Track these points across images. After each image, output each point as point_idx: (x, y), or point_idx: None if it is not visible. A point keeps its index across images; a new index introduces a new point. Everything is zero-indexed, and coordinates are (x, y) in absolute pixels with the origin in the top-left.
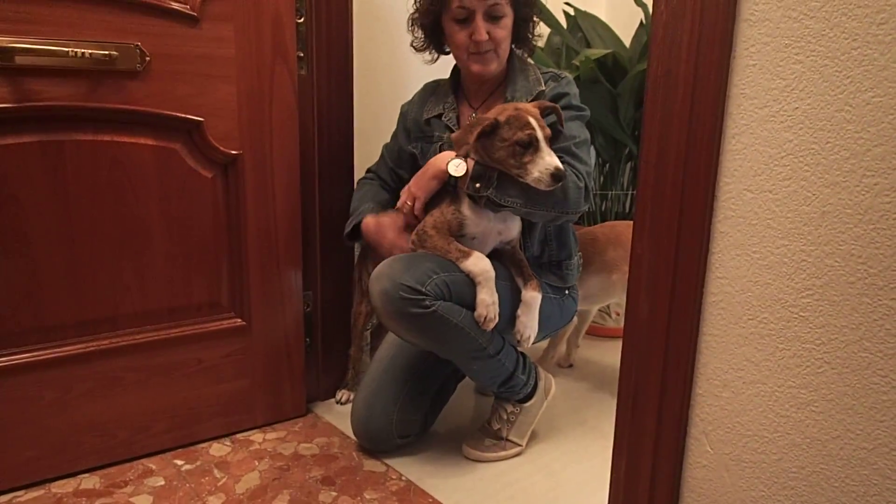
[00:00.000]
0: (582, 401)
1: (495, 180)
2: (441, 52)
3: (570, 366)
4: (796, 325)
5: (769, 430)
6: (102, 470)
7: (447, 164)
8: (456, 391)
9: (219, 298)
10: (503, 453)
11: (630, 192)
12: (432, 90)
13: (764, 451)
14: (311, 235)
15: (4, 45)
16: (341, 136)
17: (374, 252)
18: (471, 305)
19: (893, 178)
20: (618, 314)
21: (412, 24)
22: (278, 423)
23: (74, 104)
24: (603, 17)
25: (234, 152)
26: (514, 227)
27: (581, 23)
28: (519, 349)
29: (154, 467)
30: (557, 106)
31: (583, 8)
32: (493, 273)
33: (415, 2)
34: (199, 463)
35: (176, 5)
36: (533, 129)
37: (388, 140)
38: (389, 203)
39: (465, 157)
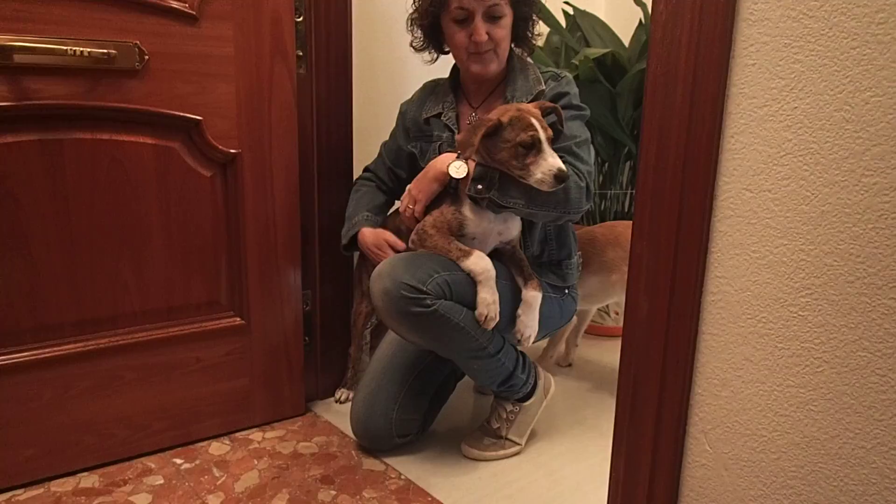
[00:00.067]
0: (581, 400)
1: (497, 181)
2: (440, 51)
3: (570, 365)
4: (795, 324)
5: (768, 429)
6: (101, 469)
7: (448, 165)
8: (455, 390)
9: (218, 297)
10: (502, 452)
11: (629, 192)
12: (432, 89)
13: (763, 450)
14: (310, 234)
15: (3, 43)
16: (340, 135)
17: (372, 262)
18: (471, 305)
19: (892, 178)
20: (617, 313)
21: (411, 25)
22: (277, 421)
23: (73, 103)
24: (602, 17)
25: (232, 151)
26: (514, 227)
27: (580, 22)
28: (519, 348)
29: (153, 466)
30: (558, 106)
31: (582, 7)
32: (493, 272)
33: (414, 2)
34: (198, 462)
35: (175, 4)
36: (535, 130)
37: (387, 139)
38: (386, 207)
39: (467, 158)
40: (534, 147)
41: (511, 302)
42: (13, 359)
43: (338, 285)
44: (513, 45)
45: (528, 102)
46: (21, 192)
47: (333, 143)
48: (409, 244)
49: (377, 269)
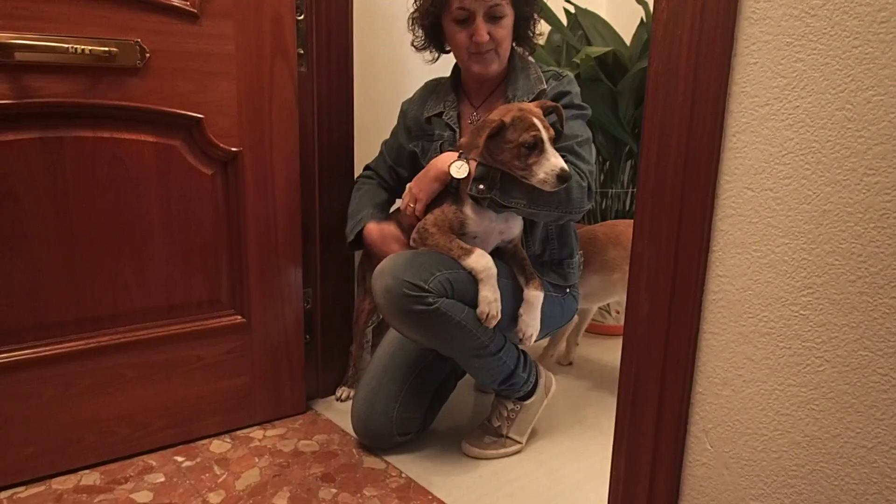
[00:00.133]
0: (582, 399)
1: (499, 181)
2: (441, 51)
3: (570, 364)
4: (796, 323)
5: (769, 428)
6: (103, 466)
7: (449, 165)
8: (456, 388)
9: (219, 295)
10: (503, 451)
11: (630, 191)
12: (433, 88)
13: (764, 450)
14: (310, 232)
15: (4, 41)
16: (341, 134)
17: (377, 259)
18: (473, 303)
19: (894, 177)
20: (618, 312)
21: (412, 24)
22: (278, 420)
23: (74, 101)
24: (603, 15)
25: (233, 149)
26: (515, 227)
27: (581, 20)
28: (520, 347)
29: (154, 464)
30: (559, 106)
31: (583, 6)
32: (495, 270)
33: (414, 1)
34: (199, 460)
35: (176, 2)
36: (538, 130)
37: (388, 137)
38: (388, 204)
39: (468, 158)
40: (536, 147)
41: (512, 301)
42: (14, 357)
43: (338, 283)
44: (514, 45)
45: (530, 102)
46: (21, 190)
47: (334, 142)
48: (411, 243)
49: (379, 266)
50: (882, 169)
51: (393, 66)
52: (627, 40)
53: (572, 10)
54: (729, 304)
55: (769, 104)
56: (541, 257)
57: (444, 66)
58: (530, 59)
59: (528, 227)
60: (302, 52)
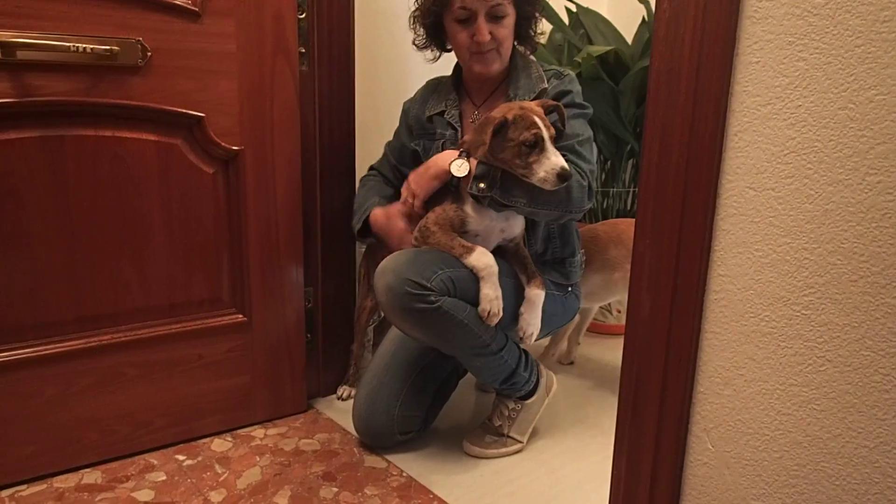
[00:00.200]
0: (583, 398)
1: (499, 180)
2: (443, 49)
3: (571, 363)
4: (798, 323)
5: (770, 427)
6: (104, 465)
7: (450, 164)
8: (457, 387)
9: (220, 294)
10: (504, 450)
11: (631, 190)
12: (434, 87)
13: (765, 449)
14: (312, 231)
15: (6, 39)
16: (342, 132)
17: (384, 244)
18: (475, 302)
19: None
20: (619, 311)
21: (413, 23)
22: (279, 418)
23: (76, 99)
24: (605, 14)
25: (235, 148)
26: (516, 225)
27: (583, 19)
28: (521, 346)
29: (155, 462)
30: (561, 105)
31: (585, 5)
32: (496, 268)
33: (416, 0)
34: (200, 458)
35: (178, 0)
36: (539, 128)
37: (390, 137)
38: (394, 198)
39: (468, 156)
40: (537, 146)
41: (514, 299)
42: (15, 355)
43: (340, 282)
44: (515, 44)
45: (531, 101)
46: (23, 189)
47: (335, 140)
48: (413, 241)
49: (381, 264)
50: (884, 168)
51: (394, 64)
52: (629, 39)
53: (574, 8)
54: (730, 304)
55: (771, 103)
56: (543, 256)
57: (446, 65)
58: (532, 58)
59: (531, 225)
60: (303, 50)
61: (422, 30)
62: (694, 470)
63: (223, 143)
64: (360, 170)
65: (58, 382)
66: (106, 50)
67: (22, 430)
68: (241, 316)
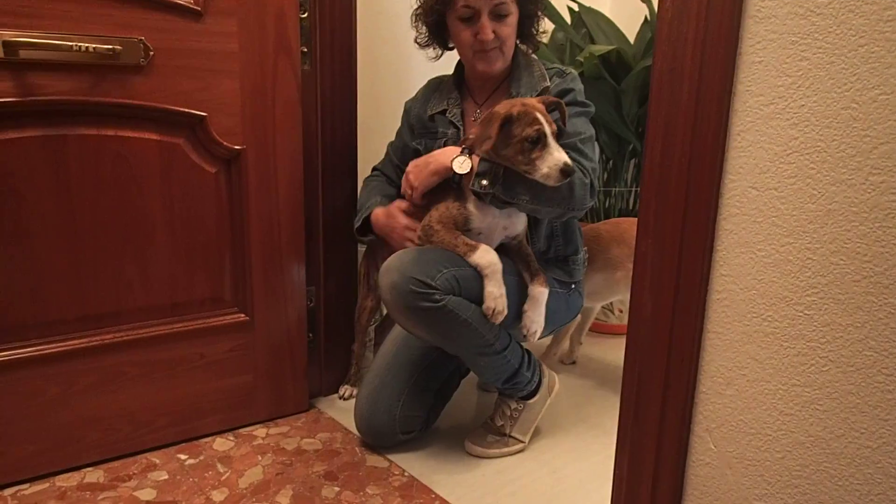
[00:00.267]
0: (585, 398)
1: (501, 177)
2: (445, 48)
3: (573, 363)
4: (801, 323)
5: (773, 428)
6: (106, 464)
7: (451, 161)
8: (459, 387)
9: (222, 293)
10: (506, 450)
11: (633, 189)
12: (436, 86)
13: (767, 449)
14: (314, 230)
15: (9, 38)
16: (344, 132)
17: (385, 243)
18: (479, 301)
19: None
20: (621, 311)
21: (415, 21)
22: (281, 418)
23: (78, 98)
24: (607, 14)
25: (237, 147)
26: (519, 223)
27: (585, 19)
28: (523, 344)
29: (157, 461)
30: (562, 102)
31: (587, 4)
32: (500, 265)
33: None
34: (202, 457)
35: (180, 0)
36: (541, 124)
37: (392, 136)
38: (396, 197)
39: (471, 153)
40: (539, 142)
41: (517, 297)
42: (17, 355)
43: (342, 282)
44: (518, 42)
45: (532, 97)
46: (25, 188)
47: (337, 140)
48: (416, 240)
49: (386, 263)
50: (887, 168)
51: (396, 63)
52: (631, 38)
53: (576, 8)
54: (733, 304)
55: (774, 103)
56: (546, 254)
57: (448, 64)
58: (533, 56)
59: (533, 223)
60: (305, 49)
61: (424, 28)
62: (696, 470)
63: (225, 143)
64: (362, 169)
65: (60, 381)
66: (108, 49)
67: (24, 429)
68: (242, 315)
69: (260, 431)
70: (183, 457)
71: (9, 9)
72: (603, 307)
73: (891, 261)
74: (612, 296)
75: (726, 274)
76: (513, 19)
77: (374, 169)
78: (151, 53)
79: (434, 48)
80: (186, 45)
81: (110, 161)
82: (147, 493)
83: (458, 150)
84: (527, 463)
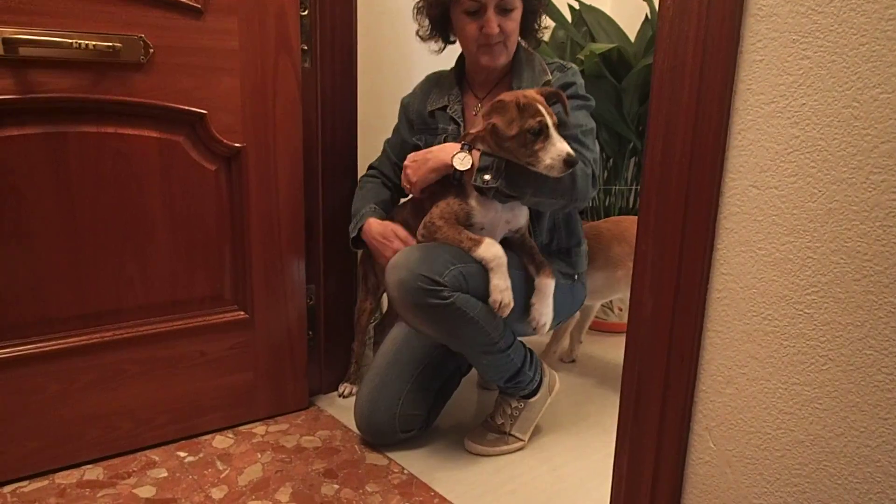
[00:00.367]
0: (584, 396)
1: (503, 170)
2: (447, 41)
3: (573, 361)
4: (801, 321)
5: (772, 426)
6: (106, 461)
7: (451, 157)
8: (459, 385)
9: (222, 291)
10: (506, 448)
11: (634, 188)
12: (435, 81)
13: (767, 448)
14: (314, 229)
15: (9, 36)
16: (345, 129)
17: (374, 259)
18: (485, 297)
19: None
20: (620, 309)
21: (417, 13)
22: (281, 415)
23: (78, 96)
24: (608, 12)
25: (237, 145)
26: (521, 216)
27: (586, 17)
28: (535, 335)
29: (157, 459)
30: (562, 93)
31: (588, 2)
32: (505, 258)
33: None
34: (201, 455)
35: None
36: (543, 115)
37: (390, 135)
38: (391, 203)
39: (470, 149)
40: (542, 133)
41: (523, 290)
42: (17, 352)
43: (341, 280)
44: (519, 38)
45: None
46: (25, 186)
47: (338, 138)
48: (418, 237)
49: (392, 260)
50: (888, 167)
51: (397, 62)
52: (632, 37)
53: (577, 6)
54: (733, 303)
55: (775, 101)
56: (549, 246)
57: (448, 61)
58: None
59: (535, 216)
60: (306, 47)
61: (427, 21)
62: (696, 468)
63: (225, 140)
64: (362, 167)
65: (60, 379)
66: (108, 47)
67: (24, 426)
68: (242, 313)
69: (259, 429)
70: (182, 454)
71: (8, 6)
72: (603, 305)
73: (891, 260)
74: (612, 294)
75: (726, 272)
76: (517, 14)
77: (370, 167)
78: (152, 51)
79: (436, 41)
80: (187, 43)
81: (110, 159)
82: (146, 491)
83: (458, 146)
84: (527, 461)
